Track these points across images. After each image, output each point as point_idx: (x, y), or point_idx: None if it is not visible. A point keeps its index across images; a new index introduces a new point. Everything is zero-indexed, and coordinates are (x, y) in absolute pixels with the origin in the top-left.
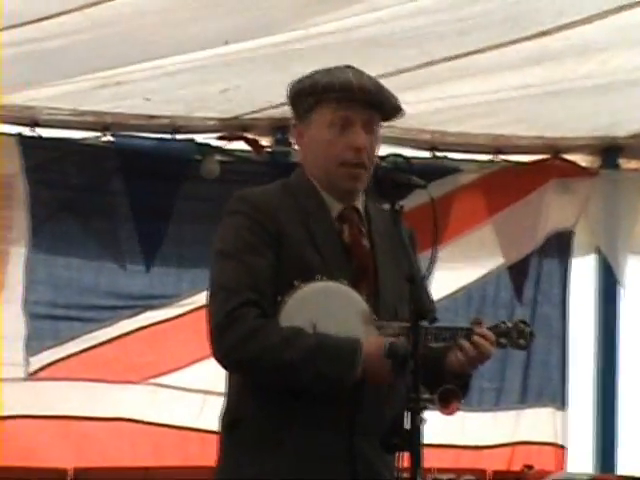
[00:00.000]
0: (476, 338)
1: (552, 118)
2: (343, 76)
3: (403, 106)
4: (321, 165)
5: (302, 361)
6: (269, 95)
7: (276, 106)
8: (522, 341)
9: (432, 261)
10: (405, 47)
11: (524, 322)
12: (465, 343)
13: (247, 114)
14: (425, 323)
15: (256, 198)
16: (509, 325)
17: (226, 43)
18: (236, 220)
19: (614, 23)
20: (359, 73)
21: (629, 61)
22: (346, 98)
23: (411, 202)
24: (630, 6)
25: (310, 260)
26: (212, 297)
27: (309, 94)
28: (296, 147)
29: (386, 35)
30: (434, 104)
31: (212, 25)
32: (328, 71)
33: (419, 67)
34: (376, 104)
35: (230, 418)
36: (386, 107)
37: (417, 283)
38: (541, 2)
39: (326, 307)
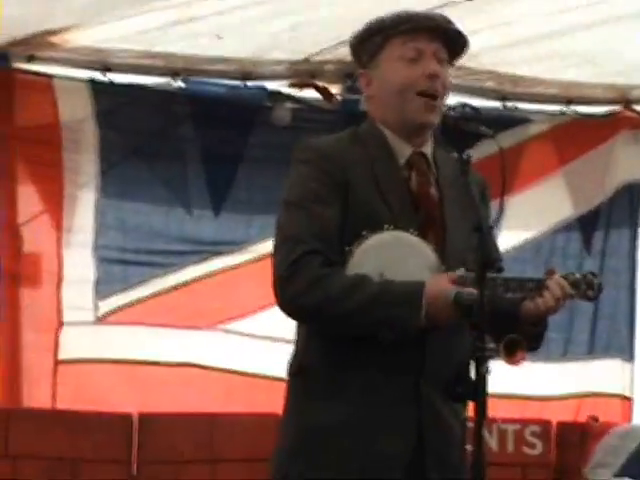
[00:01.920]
0: (553, 285)
1: (623, 63)
2: (409, 11)
3: (470, 39)
4: (395, 103)
5: (365, 307)
6: (338, 31)
7: (345, 42)
8: (590, 292)
9: (500, 211)
10: None
11: (593, 274)
12: (545, 292)
13: (317, 54)
14: (492, 272)
15: (324, 147)
16: (578, 276)
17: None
18: (304, 169)
19: None
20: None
21: None
22: (414, 29)
23: (480, 152)
24: None
25: (377, 209)
26: (277, 247)
27: (376, 33)
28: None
29: None
30: (500, 36)
31: None
32: (391, 14)
33: None
34: (445, 33)
35: (297, 365)
36: (454, 37)
37: (484, 232)
38: None
39: (394, 257)
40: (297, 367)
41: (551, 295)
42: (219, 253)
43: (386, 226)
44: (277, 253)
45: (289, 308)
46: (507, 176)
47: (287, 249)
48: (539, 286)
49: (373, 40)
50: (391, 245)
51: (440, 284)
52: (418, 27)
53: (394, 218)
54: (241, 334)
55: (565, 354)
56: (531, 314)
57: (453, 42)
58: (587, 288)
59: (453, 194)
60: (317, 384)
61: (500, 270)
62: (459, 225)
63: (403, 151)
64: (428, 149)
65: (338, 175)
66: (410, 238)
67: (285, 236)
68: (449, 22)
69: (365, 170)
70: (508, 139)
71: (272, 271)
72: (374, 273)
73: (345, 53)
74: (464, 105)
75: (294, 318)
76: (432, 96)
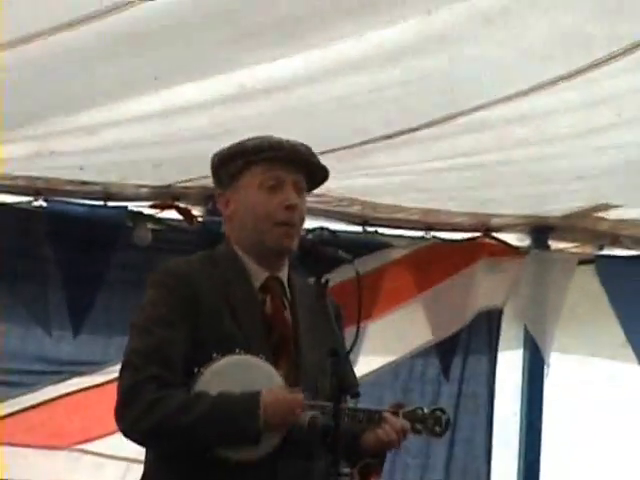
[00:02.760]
0: (393, 420)
1: (484, 195)
2: (273, 138)
3: (331, 173)
4: (251, 228)
5: (201, 422)
6: (202, 165)
7: (208, 176)
8: (438, 428)
9: (356, 336)
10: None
11: (442, 410)
12: (380, 429)
13: (180, 182)
14: (347, 398)
15: (174, 270)
16: (426, 412)
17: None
18: (153, 292)
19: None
20: (287, 138)
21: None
22: (276, 158)
23: (339, 276)
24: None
25: (230, 332)
26: (120, 372)
27: (238, 157)
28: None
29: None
30: (366, 174)
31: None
32: (256, 137)
33: (355, 145)
34: (306, 165)
35: None
36: (315, 168)
37: (340, 357)
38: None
39: (241, 381)
40: None
41: (390, 429)
42: (78, 373)
43: (237, 349)
44: (120, 378)
45: (128, 434)
46: (363, 300)
47: (127, 376)
48: (382, 418)
49: (234, 163)
50: (239, 369)
51: (275, 390)
52: (280, 157)
53: (247, 341)
54: (98, 454)
55: (422, 479)
56: (369, 445)
57: (314, 173)
58: (434, 424)
59: (309, 319)
60: None
61: (356, 395)
62: (313, 350)
63: (258, 275)
64: (284, 274)
65: (187, 297)
66: (259, 363)
67: (127, 362)
68: (312, 154)
69: (219, 292)
70: (368, 263)
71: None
72: None
73: (208, 182)
74: (322, 228)
75: (137, 443)
76: (289, 225)
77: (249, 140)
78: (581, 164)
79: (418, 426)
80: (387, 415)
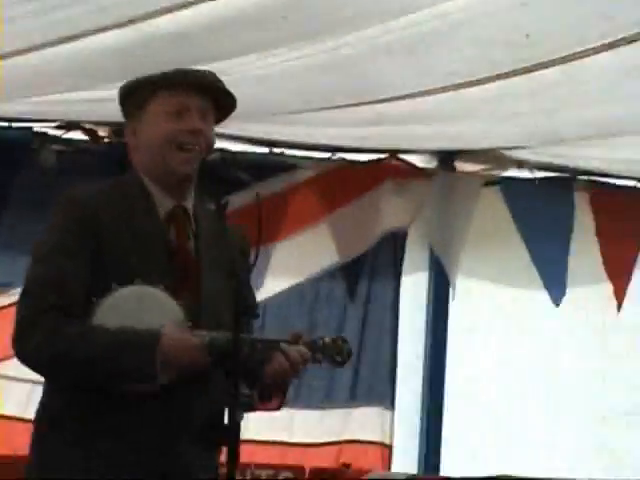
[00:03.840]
0: (281, 358)
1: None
2: (178, 68)
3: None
4: (156, 155)
5: (99, 356)
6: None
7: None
8: (339, 358)
9: (256, 258)
10: None
11: (343, 339)
12: (279, 359)
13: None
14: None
15: (78, 197)
16: (327, 341)
17: None
18: (55, 220)
19: None
20: (195, 68)
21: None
22: (180, 84)
23: (242, 198)
24: None
25: (130, 262)
26: (19, 301)
27: (143, 87)
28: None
29: None
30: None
31: None
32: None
33: None
34: (211, 90)
35: (41, 417)
36: (220, 94)
37: (239, 279)
38: None
39: (138, 312)
40: (40, 419)
41: (285, 359)
42: None
43: (137, 280)
44: (18, 307)
45: (28, 364)
46: (263, 222)
47: (25, 305)
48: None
49: (140, 92)
50: (136, 300)
51: (175, 333)
52: (184, 82)
53: (148, 272)
54: (4, 377)
55: (326, 401)
56: (269, 376)
57: (221, 100)
58: (335, 353)
59: (213, 247)
60: (60, 439)
61: (255, 317)
62: (216, 280)
63: (164, 203)
64: (189, 203)
65: (89, 226)
66: (157, 293)
67: (25, 291)
68: (217, 80)
69: (122, 221)
70: (274, 185)
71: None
72: (115, 326)
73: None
74: (222, 150)
75: (36, 373)
76: (191, 150)
77: (155, 72)
78: None
79: (318, 355)
80: (283, 345)
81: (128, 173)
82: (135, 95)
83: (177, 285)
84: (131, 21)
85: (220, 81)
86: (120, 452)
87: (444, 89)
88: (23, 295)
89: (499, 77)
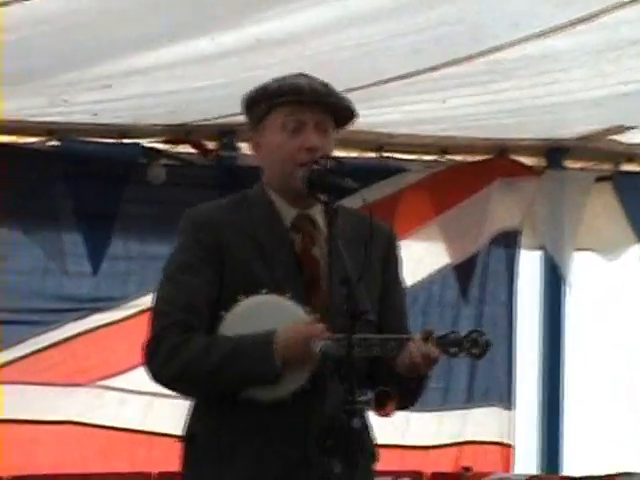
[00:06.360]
0: (412, 349)
1: (500, 122)
2: (294, 81)
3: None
4: (277, 170)
5: (221, 365)
6: (219, 108)
7: (225, 116)
8: (476, 350)
9: (365, 264)
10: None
11: (478, 331)
12: (408, 352)
13: (194, 122)
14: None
15: (199, 215)
16: (461, 335)
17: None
18: (180, 239)
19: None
20: (311, 78)
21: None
22: (297, 101)
23: (353, 204)
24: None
25: (257, 274)
26: (150, 320)
27: (260, 101)
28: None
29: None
30: (384, 111)
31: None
32: (280, 78)
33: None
34: (327, 105)
35: (187, 432)
36: (338, 108)
37: (352, 285)
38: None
39: (264, 320)
40: (187, 435)
41: (416, 352)
42: (97, 310)
43: (263, 290)
44: (149, 326)
45: (156, 381)
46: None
47: (154, 323)
48: (401, 344)
49: (259, 107)
50: (262, 309)
51: (291, 326)
52: (301, 100)
53: (276, 281)
54: (120, 390)
55: (444, 403)
56: (402, 371)
57: (338, 112)
58: (471, 346)
59: (346, 253)
60: (206, 452)
61: (369, 322)
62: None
63: (288, 213)
64: (315, 211)
65: (211, 243)
66: (283, 302)
67: (154, 309)
68: (331, 95)
69: (246, 234)
70: (384, 189)
71: None
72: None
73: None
74: (327, 157)
75: (167, 389)
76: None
77: (271, 83)
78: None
79: (452, 349)
80: (413, 340)
81: (255, 186)
82: (254, 109)
83: (305, 293)
84: None
85: (334, 95)
86: (264, 462)
87: None
88: (152, 314)
89: None
